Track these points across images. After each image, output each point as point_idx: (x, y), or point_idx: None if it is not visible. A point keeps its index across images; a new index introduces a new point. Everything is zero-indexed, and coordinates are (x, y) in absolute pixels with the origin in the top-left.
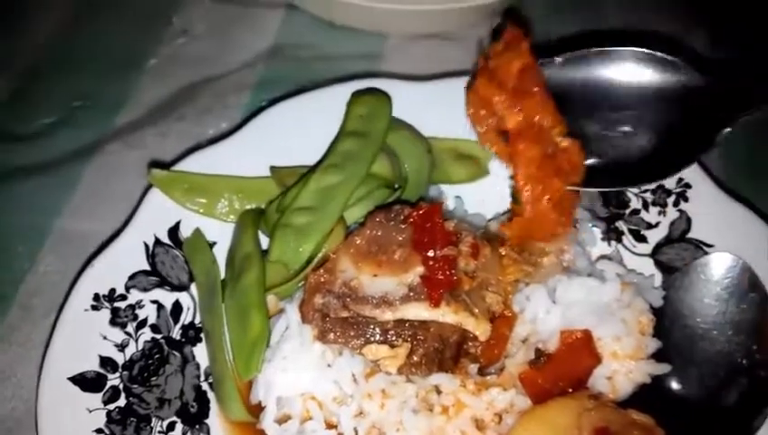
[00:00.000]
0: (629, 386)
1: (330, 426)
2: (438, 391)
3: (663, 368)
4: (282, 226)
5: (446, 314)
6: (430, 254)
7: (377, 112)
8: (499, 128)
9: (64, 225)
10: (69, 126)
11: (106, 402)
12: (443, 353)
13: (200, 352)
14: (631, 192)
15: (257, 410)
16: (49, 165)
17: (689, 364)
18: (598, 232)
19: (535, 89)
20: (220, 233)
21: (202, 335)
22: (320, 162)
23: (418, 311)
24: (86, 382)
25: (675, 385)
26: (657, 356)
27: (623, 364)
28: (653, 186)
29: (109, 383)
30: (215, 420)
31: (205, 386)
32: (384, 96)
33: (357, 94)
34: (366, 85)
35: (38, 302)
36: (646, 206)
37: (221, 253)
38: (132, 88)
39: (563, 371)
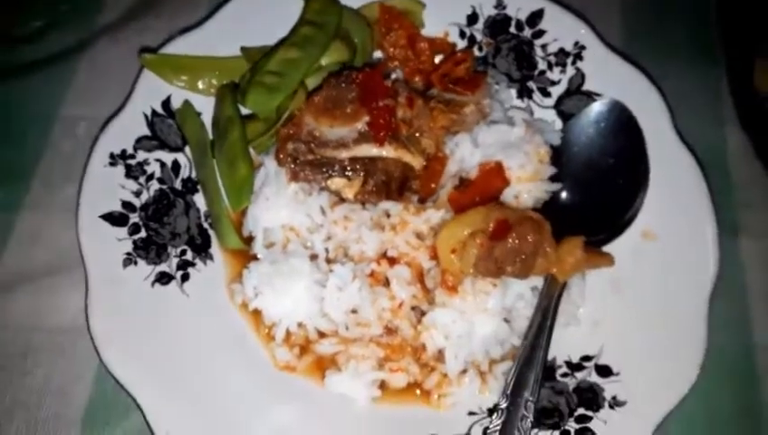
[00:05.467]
0: (531, 201)
1: (305, 248)
2: (388, 215)
3: (555, 186)
4: (255, 82)
5: (389, 151)
6: (374, 105)
7: (330, 9)
8: None
9: (68, 111)
10: (59, 27)
11: (131, 234)
12: (389, 186)
13: (199, 200)
14: (539, 56)
15: (248, 241)
16: (47, 61)
17: (578, 183)
18: (513, 92)
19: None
20: (204, 104)
21: (199, 187)
22: (283, 41)
23: (367, 149)
24: (114, 219)
25: (565, 198)
26: (554, 179)
27: (525, 185)
28: (556, 49)
29: (131, 220)
30: (216, 250)
31: (205, 225)
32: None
33: None
34: None
35: (56, 176)
36: (550, 66)
37: (206, 121)
38: None
39: (480, 191)
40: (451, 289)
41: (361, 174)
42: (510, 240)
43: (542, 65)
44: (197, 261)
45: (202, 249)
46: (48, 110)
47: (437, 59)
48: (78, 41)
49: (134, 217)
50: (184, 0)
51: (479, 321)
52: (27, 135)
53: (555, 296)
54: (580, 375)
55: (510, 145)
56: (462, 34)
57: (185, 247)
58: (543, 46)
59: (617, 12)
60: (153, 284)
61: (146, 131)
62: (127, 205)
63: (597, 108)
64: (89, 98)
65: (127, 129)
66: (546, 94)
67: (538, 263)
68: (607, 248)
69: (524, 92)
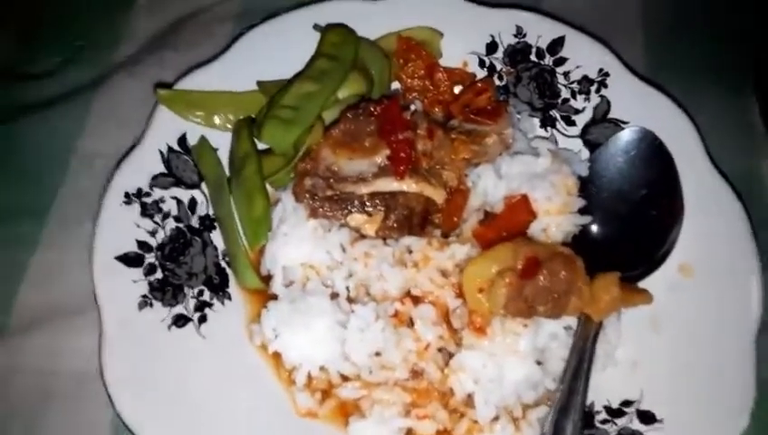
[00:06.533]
0: (560, 235)
1: (326, 287)
2: (410, 251)
3: (585, 219)
4: (271, 117)
5: (409, 185)
6: (393, 138)
7: (346, 42)
8: None
9: (85, 146)
10: (76, 62)
11: (146, 275)
12: (411, 220)
13: (216, 238)
14: (561, 84)
15: (267, 280)
16: (64, 97)
17: (609, 215)
18: (536, 121)
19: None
20: (220, 140)
21: (216, 224)
22: (299, 74)
23: (388, 183)
24: (129, 260)
25: (596, 231)
26: (584, 211)
27: (554, 218)
28: (579, 76)
29: (147, 261)
30: (234, 290)
31: (223, 264)
32: (352, 31)
33: (330, 26)
34: (331, 8)
35: (72, 213)
36: (574, 94)
37: (223, 157)
38: (127, 26)
39: (507, 225)
40: (479, 330)
41: (382, 209)
42: (541, 278)
43: (565, 93)
44: (215, 301)
45: (220, 289)
46: (65, 145)
47: (457, 89)
48: (95, 76)
49: (150, 258)
50: (201, 33)
51: (510, 364)
52: (44, 171)
53: (591, 337)
54: (620, 422)
55: (535, 176)
56: (482, 64)
57: (202, 287)
58: (566, 74)
59: (639, 35)
60: (170, 327)
61: (161, 168)
62: (142, 245)
63: (625, 136)
64: (106, 133)
65: (142, 166)
66: (570, 123)
67: (571, 302)
68: (642, 284)
69: (548, 121)
